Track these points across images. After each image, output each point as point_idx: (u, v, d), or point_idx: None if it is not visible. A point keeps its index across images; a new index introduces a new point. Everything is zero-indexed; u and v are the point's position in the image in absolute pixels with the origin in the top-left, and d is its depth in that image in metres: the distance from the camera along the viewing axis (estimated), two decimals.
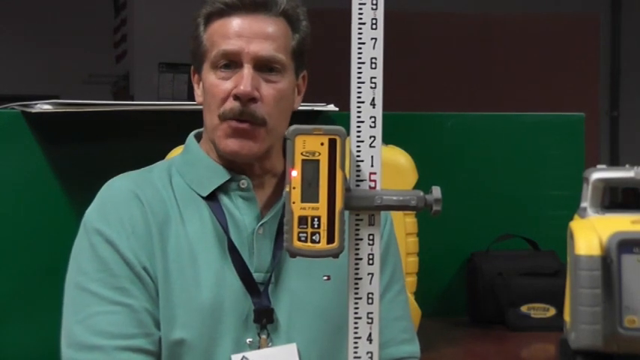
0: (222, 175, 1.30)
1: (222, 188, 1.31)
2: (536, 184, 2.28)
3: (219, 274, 1.26)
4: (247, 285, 1.26)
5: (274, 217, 1.30)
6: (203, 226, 1.28)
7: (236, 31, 1.27)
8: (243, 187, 1.30)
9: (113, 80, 5.12)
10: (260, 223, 1.29)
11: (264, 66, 1.27)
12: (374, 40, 0.84)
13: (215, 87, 1.28)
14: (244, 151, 1.27)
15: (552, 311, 2.08)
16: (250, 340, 1.26)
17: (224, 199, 1.30)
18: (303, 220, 0.82)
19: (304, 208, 0.82)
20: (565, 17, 4.31)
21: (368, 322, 0.84)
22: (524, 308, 2.10)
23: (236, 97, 1.26)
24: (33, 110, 1.83)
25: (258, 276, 1.27)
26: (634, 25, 5.62)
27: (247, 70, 1.26)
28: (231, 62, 1.27)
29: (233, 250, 1.27)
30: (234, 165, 1.31)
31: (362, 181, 0.85)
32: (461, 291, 2.23)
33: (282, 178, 1.33)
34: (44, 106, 1.82)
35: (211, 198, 1.30)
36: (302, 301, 1.29)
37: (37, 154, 1.91)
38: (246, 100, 1.25)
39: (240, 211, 1.29)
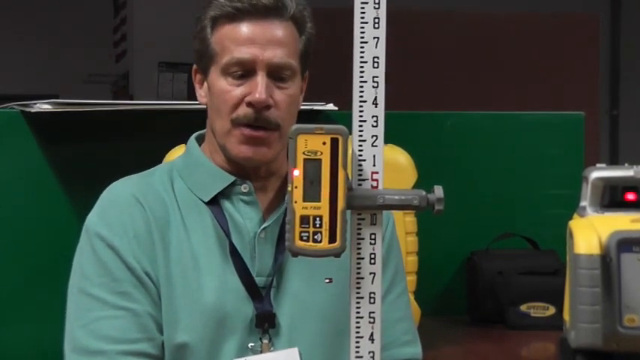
0: (224, 180, 1.30)
1: (224, 192, 1.30)
2: (536, 183, 2.28)
3: (221, 278, 1.26)
4: (249, 289, 1.26)
5: (276, 222, 1.30)
6: (205, 230, 1.28)
7: (249, 38, 1.25)
8: (245, 191, 1.30)
9: (113, 80, 5.12)
10: (262, 227, 1.29)
11: (276, 72, 1.26)
12: (376, 39, 0.84)
13: (226, 93, 1.26)
14: (258, 157, 1.27)
15: (552, 310, 2.08)
16: (252, 344, 1.26)
17: (226, 204, 1.30)
18: (305, 220, 0.82)
19: (306, 208, 0.82)
20: (565, 16, 4.30)
21: (370, 322, 0.84)
22: (524, 307, 2.10)
23: (250, 104, 1.25)
24: (32, 110, 1.83)
25: (260, 280, 1.27)
26: (634, 24, 5.62)
27: (261, 78, 1.25)
28: (243, 69, 1.26)
29: (235, 254, 1.27)
30: (239, 168, 1.30)
31: (364, 180, 0.85)
32: (461, 290, 2.23)
33: (286, 180, 1.33)
34: (43, 106, 1.82)
35: (213, 202, 1.30)
36: (304, 305, 1.28)
37: (36, 154, 1.91)
38: (261, 107, 1.25)
39: (242, 215, 1.29)
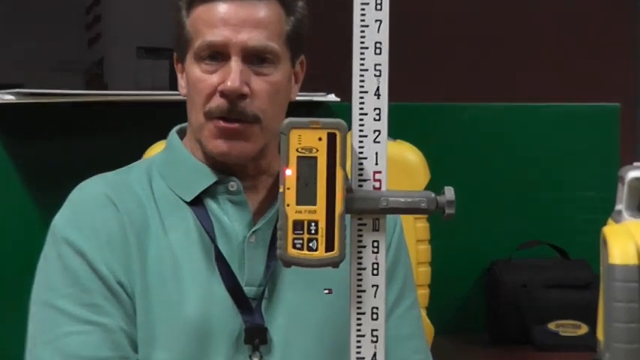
0: (208, 177, 1.31)
1: (209, 192, 1.31)
2: (565, 183, 2.29)
3: (205, 288, 1.27)
4: (237, 300, 1.27)
5: (268, 224, 1.30)
6: (187, 234, 1.29)
7: (222, 19, 1.26)
8: (232, 189, 1.31)
9: (85, 67, 5.13)
10: (252, 230, 1.29)
11: (254, 57, 1.27)
12: (378, 23, 0.84)
13: (199, 82, 1.27)
14: (235, 152, 1.28)
15: (584, 329, 2.09)
16: None
17: (211, 204, 1.31)
18: (298, 225, 0.83)
19: (300, 212, 0.83)
20: None
21: (372, 341, 0.85)
22: (552, 325, 2.11)
23: (223, 94, 1.26)
24: None
25: (249, 290, 1.28)
26: None
27: (235, 64, 1.25)
28: (217, 54, 1.27)
29: (221, 261, 1.27)
30: (223, 166, 1.31)
31: (365, 180, 0.85)
32: (480, 305, 2.24)
33: (278, 179, 1.33)
34: (6, 97, 1.83)
35: (196, 203, 1.30)
36: (300, 319, 1.29)
37: None
38: (235, 97, 1.25)
39: (230, 217, 1.30)
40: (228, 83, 1.25)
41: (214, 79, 1.27)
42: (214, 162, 1.31)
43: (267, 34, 1.27)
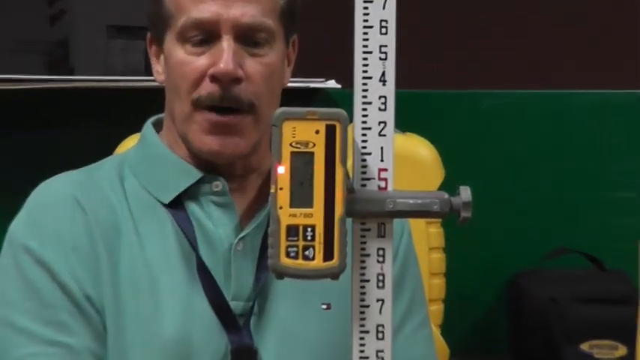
0: (189, 176, 1.31)
1: (190, 192, 1.31)
2: (599, 183, 2.29)
3: (185, 303, 1.27)
4: (222, 317, 1.27)
5: (258, 229, 1.31)
6: (165, 241, 1.29)
7: None
8: (217, 189, 1.31)
9: (47, 48, 5.13)
10: (239, 236, 1.30)
11: (247, 36, 1.27)
12: None
13: (185, 65, 1.27)
14: (228, 151, 1.28)
15: (622, 350, 2.09)
16: None
17: (192, 207, 1.31)
18: (292, 231, 0.83)
19: (294, 215, 0.83)
20: None
21: None
22: (585, 346, 2.11)
23: (214, 79, 1.26)
24: None
25: (236, 305, 1.28)
26: None
27: (227, 43, 1.26)
28: (205, 33, 1.27)
29: (204, 273, 1.28)
30: (208, 163, 1.31)
31: (369, 179, 0.86)
32: (501, 323, 2.24)
33: (269, 178, 1.34)
34: None
35: (175, 205, 1.31)
36: (294, 338, 1.29)
37: None
38: (228, 81, 1.26)
39: (214, 221, 1.30)
40: (221, 65, 1.25)
41: (202, 61, 1.27)
42: (197, 159, 1.32)
43: (261, 9, 1.27)
